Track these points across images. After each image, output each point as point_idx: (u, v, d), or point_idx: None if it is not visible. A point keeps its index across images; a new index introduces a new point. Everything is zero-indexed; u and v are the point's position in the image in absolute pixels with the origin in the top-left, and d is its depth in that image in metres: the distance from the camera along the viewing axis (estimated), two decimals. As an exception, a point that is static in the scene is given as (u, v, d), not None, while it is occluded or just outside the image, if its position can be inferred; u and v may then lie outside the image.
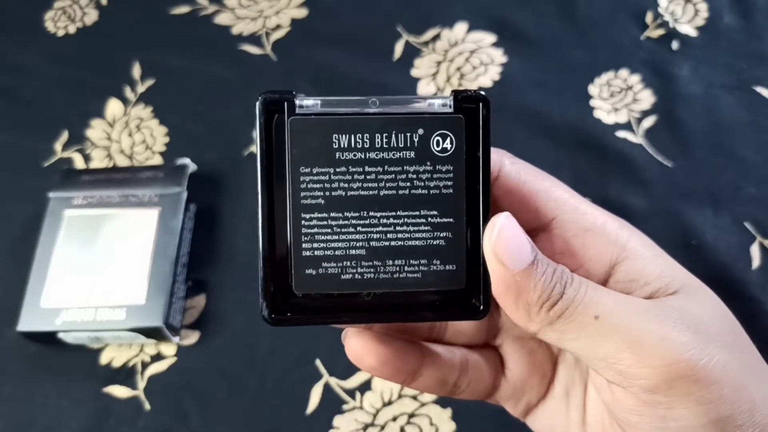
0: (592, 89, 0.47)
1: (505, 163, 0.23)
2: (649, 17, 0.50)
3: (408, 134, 0.21)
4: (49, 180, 0.44)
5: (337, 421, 0.37)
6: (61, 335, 0.39)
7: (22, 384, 0.40)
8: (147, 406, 0.39)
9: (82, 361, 0.40)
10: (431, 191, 0.21)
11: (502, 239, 0.20)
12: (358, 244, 0.21)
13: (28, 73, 0.53)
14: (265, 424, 0.37)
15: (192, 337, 0.40)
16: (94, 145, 0.49)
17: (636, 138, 0.45)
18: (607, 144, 0.45)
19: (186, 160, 0.45)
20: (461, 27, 0.51)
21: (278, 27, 0.53)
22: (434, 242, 0.22)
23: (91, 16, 0.55)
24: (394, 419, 0.36)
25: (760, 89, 0.46)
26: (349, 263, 0.21)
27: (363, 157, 0.21)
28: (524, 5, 0.51)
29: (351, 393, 0.37)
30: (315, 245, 0.21)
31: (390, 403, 0.37)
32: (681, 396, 0.20)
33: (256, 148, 0.21)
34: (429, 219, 0.21)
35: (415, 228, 0.21)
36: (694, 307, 0.21)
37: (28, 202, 0.45)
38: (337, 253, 0.21)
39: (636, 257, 0.22)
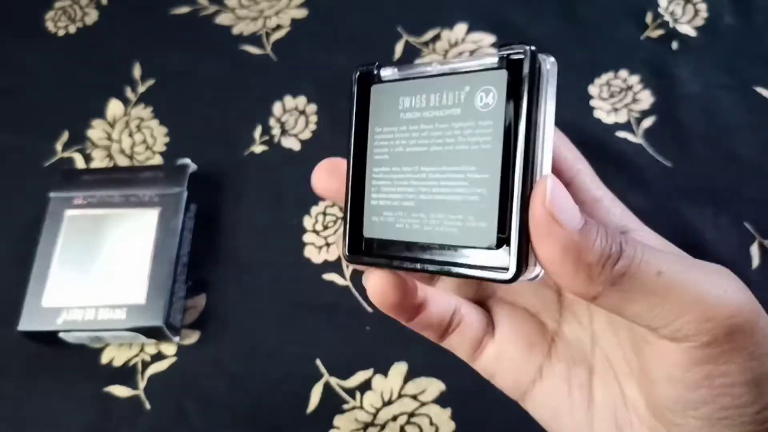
0: (592, 89, 0.47)
1: None
2: (649, 17, 0.50)
3: (456, 92, 0.22)
4: (50, 180, 0.44)
5: (338, 420, 0.37)
6: (61, 335, 0.39)
7: (23, 384, 0.40)
8: (147, 405, 0.39)
9: (83, 360, 0.40)
10: (472, 147, 0.21)
11: (556, 200, 0.19)
12: (410, 196, 0.23)
13: (29, 73, 0.53)
14: (265, 424, 0.37)
15: (192, 337, 0.41)
16: (94, 145, 0.49)
17: (636, 138, 0.45)
18: (607, 144, 0.45)
19: (186, 160, 0.45)
20: (461, 27, 0.51)
21: (278, 27, 0.53)
22: (470, 198, 0.21)
23: (92, 16, 0.55)
24: (394, 419, 0.36)
25: (760, 89, 0.46)
26: (402, 213, 0.23)
27: (420, 116, 0.23)
28: (524, 6, 0.52)
29: (351, 393, 0.37)
30: (380, 195, 0.23)
31: (390, 402, 0.37)
32: (736, 351, 0.20)
33: (350, 114, 0.24)
34: (468, 174, 0.21)
35: (457, 183, 0.22)
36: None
37: (28, 202, 0.45)
38: (394, 203, 0.23)
39: (640, 231, 0.23)
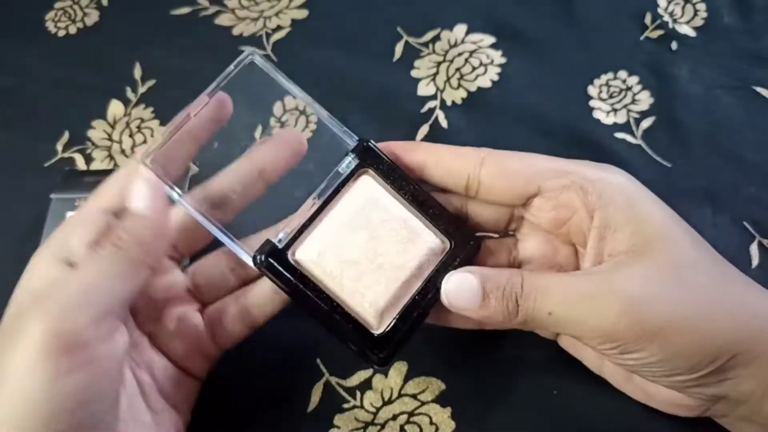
0: (591, 90, 0.47)
1: (486, 161, 0.31)
2: (648, 18, 0.50)
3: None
4: (51, 180, 0.44)
5: (338, 420, 0.37)
6: (62, 335, 0.39)
7: (24, 383, 0.40)
8: (148, 405, 0.39)
9: (84, 360, 0.40)
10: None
11: (452, 297, 0.30)
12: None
13: (29, 73, 0.53)
14: (265, 423, 0.38)
15: (193, 337, 0.41)
16: (95, 145, 0.49)
17: (635, 139, 0.45)
18: (606, 145, 0.45)
19: (187, 161, 0.45)
20: (460, 28, 0.51)
21: (279, 28, 0.53)
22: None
23: (92, 17, 0.55)
24: (394, 418, 0.36)
25: (759, 89, 0.46)
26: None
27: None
28: (523, 7, 0.52)
29: (351, 392, 0.38)
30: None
31: (390, 401, 0.37)
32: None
33: (290, 285, 0.32)
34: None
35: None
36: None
37: (29, 203, 0.45)
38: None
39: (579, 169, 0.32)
